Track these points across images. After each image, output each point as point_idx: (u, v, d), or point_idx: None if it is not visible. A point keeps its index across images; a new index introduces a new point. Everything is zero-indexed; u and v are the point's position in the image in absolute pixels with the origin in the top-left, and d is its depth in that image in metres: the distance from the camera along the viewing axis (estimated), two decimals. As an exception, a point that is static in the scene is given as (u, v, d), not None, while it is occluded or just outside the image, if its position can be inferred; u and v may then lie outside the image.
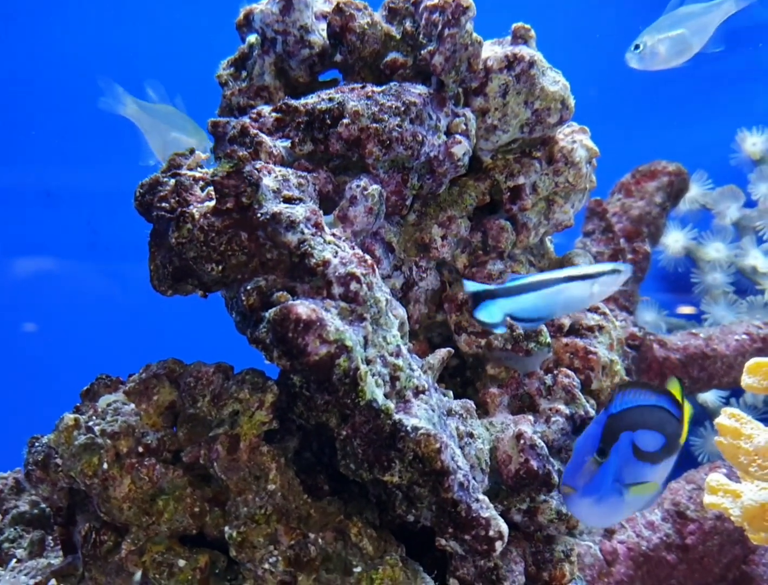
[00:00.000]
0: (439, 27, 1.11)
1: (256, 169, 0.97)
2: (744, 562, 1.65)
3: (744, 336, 1.86)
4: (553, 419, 1.09)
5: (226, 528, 0.85)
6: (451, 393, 1.09)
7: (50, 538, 1.21)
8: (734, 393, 2.12)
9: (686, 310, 2.22)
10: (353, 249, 0.94)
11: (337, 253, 0.91)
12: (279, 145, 1.08)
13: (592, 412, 1.12)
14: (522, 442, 1.04)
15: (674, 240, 2.19)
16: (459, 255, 1.21)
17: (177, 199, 0.95)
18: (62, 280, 2.13)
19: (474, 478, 1.01)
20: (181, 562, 0.86)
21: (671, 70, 2.28)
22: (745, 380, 1.14)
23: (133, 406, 0.93)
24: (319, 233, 0.92)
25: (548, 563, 1.06)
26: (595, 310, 1.22)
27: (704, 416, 2.12)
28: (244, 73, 1.21)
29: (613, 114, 2.24)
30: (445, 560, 1.00)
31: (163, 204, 0.95)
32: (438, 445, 0.83)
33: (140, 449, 0.90)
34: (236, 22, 1.24)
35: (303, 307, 0.83)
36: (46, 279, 2.11)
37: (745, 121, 2.25)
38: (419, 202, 1.19)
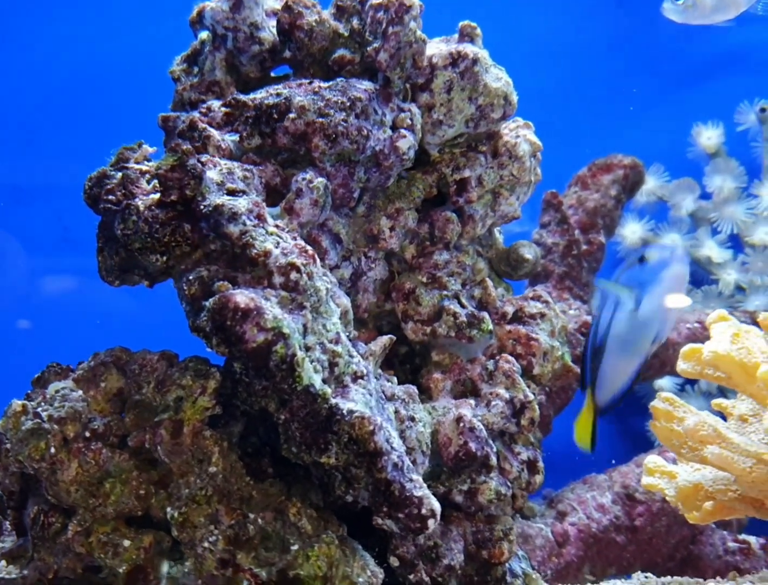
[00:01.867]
0: (384, 25, 1.14)
1: (201, 162, 1.00)
2: (692, 542, 1.71)
3: (696, 324, 1.92)
4: (493, 403, 1.13)
5: (168, 508, 0.89)
6: (395, 379, 1.13)
7: (7, 522, 1.23)
8: (689, 380, 2.18)
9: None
10: (295, 240, 0.97)
11: (278, 243, 0.95)
12: (227, 139, 1.11)
13: (531, 396, 1.16)
14: (461, 425, 1.08)
15: (632, 231, 2.24)
16: (407, 246, 1.25)
17: (123, 191, 0.98)
18: (35, 276, 2.14)
19: (414, 459, 1.05)
20: (126, 542, 0.90)
21: (632, 64, 2.33)
22: (680, 365, 1.19)
23: (80, 392, 0.96)
24: (261, 225, 0.96)
25: (488, 542, 1.10)
26: (537, 298, 1.26)
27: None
28: (195, 69, 1.24)
29: (573, 108, 2.29)
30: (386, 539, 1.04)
31: (110, 197, 0.98)
32: (371, 428, 0.87)
33: (87, 434, 0.93)
34: (190, 19, 1.27)
35: (241, 296, 0.86)
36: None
37: (703, 115, 2.30)
38: (368, 195, 1.23)
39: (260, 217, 0.96)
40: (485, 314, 1.20)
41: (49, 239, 2.16)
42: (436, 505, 0.91)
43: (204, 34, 1.24)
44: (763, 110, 2.22)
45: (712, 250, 2.18)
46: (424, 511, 0.90)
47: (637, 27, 2.32)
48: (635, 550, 1.65)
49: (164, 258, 0.95)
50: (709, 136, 2.22)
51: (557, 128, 2.22)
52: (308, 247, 0.96)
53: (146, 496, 0.93)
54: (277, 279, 0.92)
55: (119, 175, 1.00)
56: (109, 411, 0.98)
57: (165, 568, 0.91)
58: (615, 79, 2.32)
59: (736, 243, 2.21)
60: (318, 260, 0.97)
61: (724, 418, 1.18)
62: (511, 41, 2.21)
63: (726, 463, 1.07)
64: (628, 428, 2.25)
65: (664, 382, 2.16)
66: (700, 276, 2.23)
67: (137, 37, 1.87)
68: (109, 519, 0.92)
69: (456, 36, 1.28)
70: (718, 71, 2.33)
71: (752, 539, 1.73)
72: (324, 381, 0.91)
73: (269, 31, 1.21)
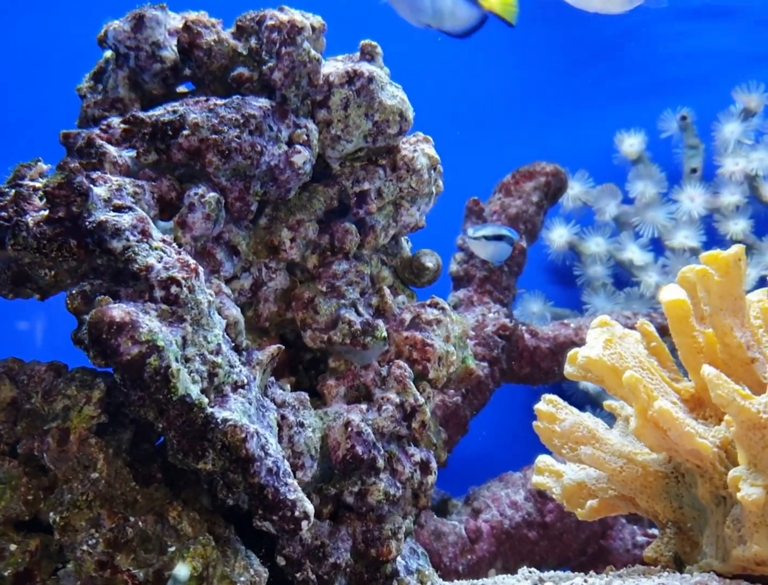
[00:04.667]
0: (277, 45, 1.19)
1: (92, 179, 1.04)
2: (602, 536, 1.78)
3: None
4: (384, 407, 1.19)
5: (51, 513, 0.93)
6: (288, 386, 1.18)
7: None
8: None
9: None
10: (179, 254, 1.02)
11: (161, 258, 0.99)
12: (125, 155, 1.15)
13: (422, 400, 1.21)
14: (349, 429, 1.13)
15: (559, 235, 2.31)
16: (309, 256, 1.29)
17: (15, 208, 1.01)
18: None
19: (302, 463, 1.10)
20: (13, 547, 0.94)
21: (554, 73, 2.40)
22: (566, 369, 1.25)
23: (-28, 402, 0.99)
24: (145, 240, 1.00)
25: (377, 541, 1.15)
26: (434, 305, 1.32)
27: (585, 402, 2.25)
28: (100, 87, 1.27)
29: (501, 116, 2.35)
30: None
31: (2, 213, 1.02)
32: (243, 435, 0.92)
33: (-23, 443, 0.97)
34: (98, 38, 1.30)
35: (117, 310, 0.90)
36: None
37: (627, 123, 2.37)
38: (270, 207, 1.27)
39: (144, 233, 1.00)
40: (380, 322, 1.25)
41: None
42: (309, 508, 0.96)
43: (108, 53, 1.28)
44: (683, 118, 2.30)
45: (634, 253, 2.26)
46: (297, 513, 0.95)
47: (562, 36, 2.38)
48: (547, 546, 1.71)
49: (52, 272, 0.99)
50: (631, 143, 2.29)
51: (485, 136, 2.29)
52: (191, 261, 1.00)
53: (34, 502, 0.97)
54: (158, 292, 0.96)
55: (12, 192, 1.03)
56: (2, 420, 1.01)
57: (52, 570, 0.95)
58: (542, 86, 2.38)
59: (657, 246, 2.29)
60: (201, 274, 1.01)
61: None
62: (436, 49, 2.27)
63: (598, 463, 1.13)
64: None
65: (588, 383, 2.22)
66: (623, 278, 2.31)
67: (60, 53, 1.89)
68: (-3, 524, 0.96)
69: (358, 54, 1.33)
70: (644, 80, 2.40)
71: (661, 533, 1.80)
72: (203, 391, 0.96)
73: (171, 50, 1.25)
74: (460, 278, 1.97)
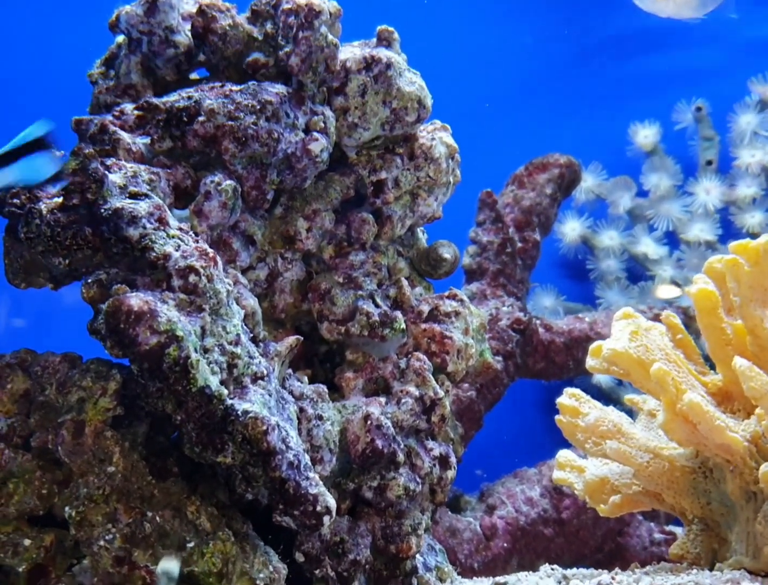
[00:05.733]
0: (294, 30, 1.16)
1: (106, 165, 1.02)
2: (619, 534, 1.75)
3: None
4: (403, 401, 1.16)
5: (66, 508, 0.90)
6: (306, 378, 1.16)
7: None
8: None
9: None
10: (197, 242, 0.99)
11: (179, 246, 0.97)
12: (139, 142, 1.12)
13: (441, 394, 1.18)
14: (369, 422, 1.11)
15: (571, 228, 2.28)
16: (325, 246, 1.27)
17: (27, 195, 0.99)
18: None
19: (321, 457, 1.07)
20: (27, 542, 0.91)
21: (568, 64, 2.37)
22: (588, 362, 1.22)
23: (-16, 394, 0.97)
24: (162, 228, 0.97)
25: (396, 537, 1.12)
26: (452, 297, 1.29)
27: (598, 397, 2.22)
28: (112, 72, 1.25)
29: (515, 108, 2.32)
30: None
31: (15, 200, 0.99)
32: (265, 427, 0.89)
33: (-11, 435, 0.95)
34: (108, 23, 1.27)
35: (135, 299, 0.88)
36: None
37: (640, 114, 2.34)
38: (285, 196, 1.24)
39: (161, 220, 0.97)
40: (398, 314, 1.22)
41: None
42: (331, 502, 0.93)
43: (120, 38, 1.25)
44: (699, 109, 2.26)
45: (648, 246, 2.23)
46: (319, 508, 0.92)
47: (577, 27, 2.35)
48: (563, 543, 1.69)
49: (66, 261, 0.96)
50: (646, 135, 2.26)
51: (497, 127, 2.26)
52: (209, 250, 0.98)
53: (49, 496, 0.94)
54: (176, 282, 0.94)
55: (24, 179, 1.01)
56: (15, 412, 0.99)
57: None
58: (555, 78, 2.35)
59: (672, 240, 2.26)
60: (219, 263, 0.99)
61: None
62: (450, 41, 2.24)
63: (624, 458, 1.10)
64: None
65: (601, 377, 2.20)
66: (637, 272, 2.28)
67: (70, 39, 1.86)
68: (10, 519, 0.93)
69: (374, 40, 1.30)
70: (658, 69, 2.37)
71: (679, 530, 1.78)
72: (222, 382, 0.93)
73: (185, 35, 1.22)
74: (473, 271, 1.94)
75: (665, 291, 2.20)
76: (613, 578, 0.98)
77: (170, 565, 0.88)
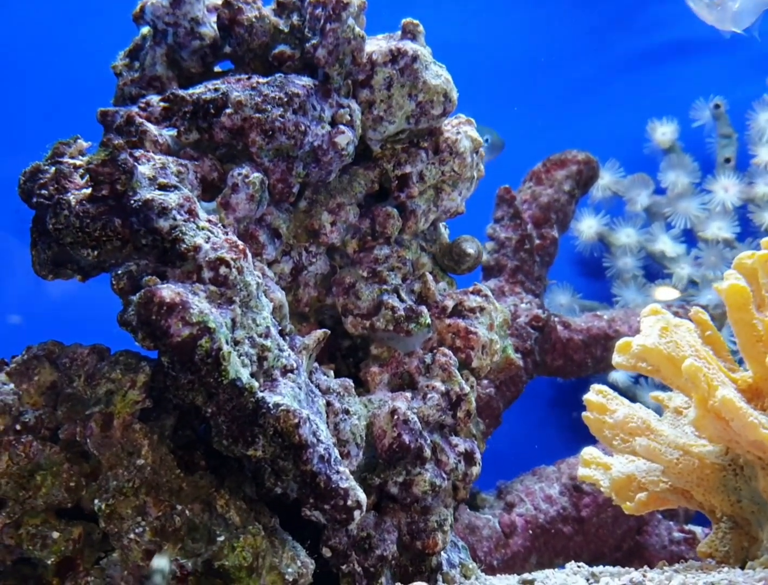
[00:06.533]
0: (322, 21, 1.15)
1: (135, 157, 1.01)
2: (638, 532, 1.74)
3: (647, 318, 1.94)
4: (429, 396, 1.15)
5: (96, 501, 0.90)
6: (332, 372, 1.15)
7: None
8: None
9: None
10: (226, 235, 0.98)
11: (209, 238, 0.96)
12: (165, 134, 1.12)
13: (467, 389, 1.18)
14: (396, 417, 1.10)
15: (588, 226, 2.27)
16: (349, 240, 1.26)
17: (56, 186, 0.98)
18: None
19: (348, 451, 1.06)
20: (55, 534, 0.91)
21: (584, 62, 2.36)
22: (615, 358, 1.21)
23: (12, 386, 0.96)
24: (192, 219, 0.96)
25: (422, 533, 1.12)
26: (477, 292, 1.28)
27: (614, 395, 2.20)
28: (137, 64, 1.24)
29: (531, 104, 2.31)
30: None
31: (43, 191, 0.98)
32: (296, 420, 0.88)
33: (18, 427, 0.94)
34: (133, 14, 1.27)
35: (167, 291, 0.87)
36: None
37: (659, 111, 2.33)
38: (310, 190, 1.24)
39: (191, 212, 0.97)
40: (423, 308, 1.22)
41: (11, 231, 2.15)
42: (362, 497, 0.93)
43: (145, 30, 1.24)
44: (717, 106, 2.25)
45: (666, 244, 2.22)
46: (349, 502, 0.92)
47: (594, 24, 2.34)
48: (582, 541, 1.68)
49: (95, 252, 0.96)
50: (663, 132, 2.25)
51: (515, 124, 2.25)
52: (239, 242, 0.97)
53: (77, 489, 0.94)
54: (207, 274, 0.93)
55: (53, 169, 1.00)
56: (42, 404, 0.98)
57: (95, 559, 0.92)
58: (573, 75, 2.34)
59: (689, 238, 2.25)
60: (249, 255, 0.98)
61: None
62: (467, 37, 2.23)
63: (653, 455, 1.09)
64: (579, 420, 2.29)
65: (618, 375, 2.19)
66: (654, 270, 2.26)
67: (89, 31, 1.86)
68: (39, 511, 0.92)
69: (399, 33, 1.29)
70: (676, 67, 2.36)
71: (698, 529, 1.77)
72: (252, 375, 0.92)
73: (210, 27, 1.22)
74: (490, 268, 1.93)
75: (664, 293, 2.19)
76: (644, 575, 0.97)
77: (162, 561, 0.88)
